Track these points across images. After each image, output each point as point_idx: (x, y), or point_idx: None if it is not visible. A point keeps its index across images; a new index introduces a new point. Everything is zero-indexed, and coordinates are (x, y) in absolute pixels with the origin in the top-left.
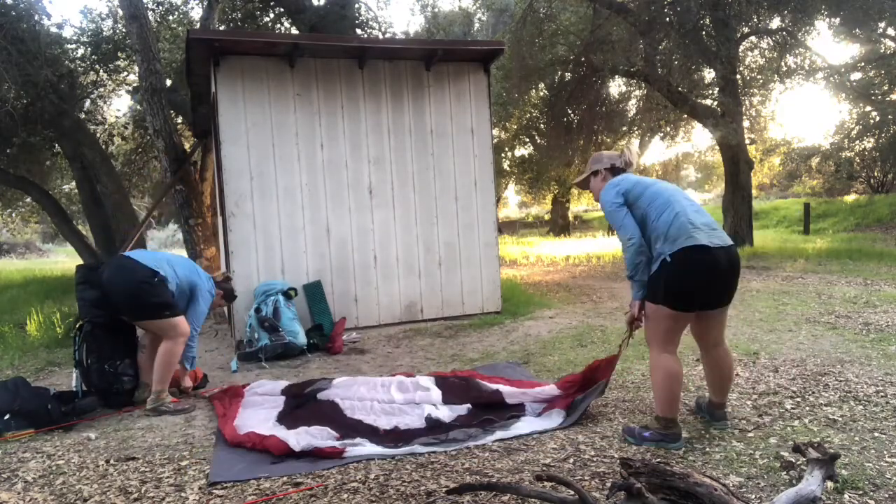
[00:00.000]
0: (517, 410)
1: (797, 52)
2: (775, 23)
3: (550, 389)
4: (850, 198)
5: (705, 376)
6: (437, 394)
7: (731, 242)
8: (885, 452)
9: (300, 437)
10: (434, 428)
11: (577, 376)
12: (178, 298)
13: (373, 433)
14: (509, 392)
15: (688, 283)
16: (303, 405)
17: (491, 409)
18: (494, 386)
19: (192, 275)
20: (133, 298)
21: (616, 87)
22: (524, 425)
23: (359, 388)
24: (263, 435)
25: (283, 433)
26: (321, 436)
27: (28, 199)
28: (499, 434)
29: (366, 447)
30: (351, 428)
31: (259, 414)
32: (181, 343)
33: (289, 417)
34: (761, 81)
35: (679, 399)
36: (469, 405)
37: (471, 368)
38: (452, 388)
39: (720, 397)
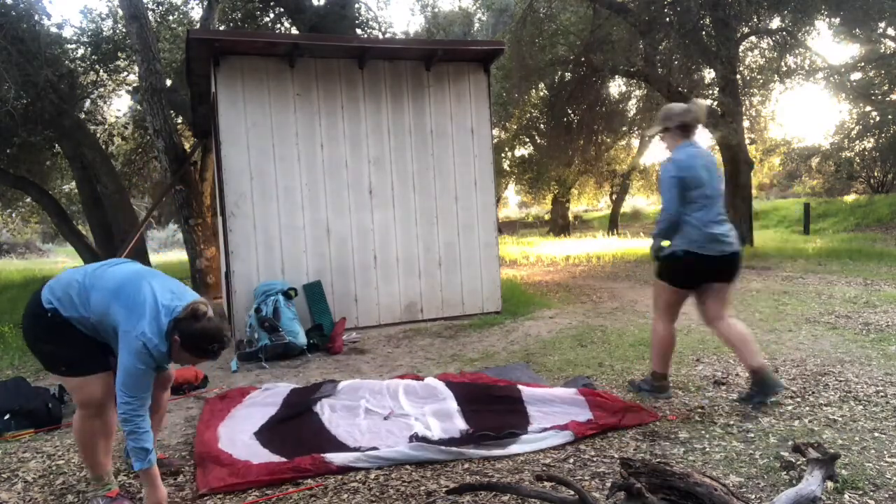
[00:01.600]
0: (520, 427)
1: (797, 52)
2: (775, 23)
3: (572, 394)
4: (850, 198)
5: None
6: (452, 403)
7: (737, 249)
8: (885, 452)
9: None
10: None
11: (610, 400)
12: (99, 336)
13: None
14: (530, 392)
15: (691, 277)
16: (290, 418)
17: (495, 416)
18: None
19: (113, 305)
20: (27, 344)
21: (616, 87)
22: (518, 447)
23: (364, 394)
24: (233, 459)
25: (254, 450)
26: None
27: (28, 199)
28: (495, 451)
29: (347, 455)
30: (332, 447)
31: (245, 425)
32: (88, 418)
33: (268, 432)
34: (761, 81)
35: (669, 359)
36: (465, 428)
37: (473, 370)
38: (469, 394)
39: (753, 361)
